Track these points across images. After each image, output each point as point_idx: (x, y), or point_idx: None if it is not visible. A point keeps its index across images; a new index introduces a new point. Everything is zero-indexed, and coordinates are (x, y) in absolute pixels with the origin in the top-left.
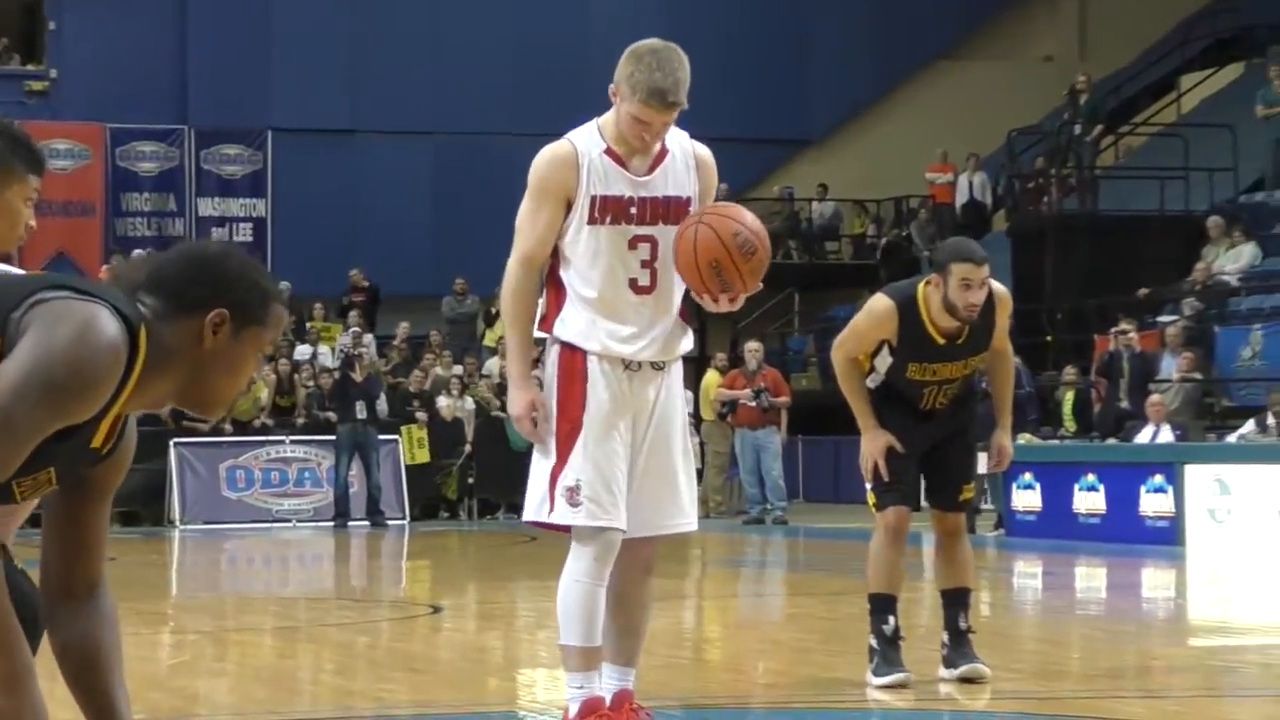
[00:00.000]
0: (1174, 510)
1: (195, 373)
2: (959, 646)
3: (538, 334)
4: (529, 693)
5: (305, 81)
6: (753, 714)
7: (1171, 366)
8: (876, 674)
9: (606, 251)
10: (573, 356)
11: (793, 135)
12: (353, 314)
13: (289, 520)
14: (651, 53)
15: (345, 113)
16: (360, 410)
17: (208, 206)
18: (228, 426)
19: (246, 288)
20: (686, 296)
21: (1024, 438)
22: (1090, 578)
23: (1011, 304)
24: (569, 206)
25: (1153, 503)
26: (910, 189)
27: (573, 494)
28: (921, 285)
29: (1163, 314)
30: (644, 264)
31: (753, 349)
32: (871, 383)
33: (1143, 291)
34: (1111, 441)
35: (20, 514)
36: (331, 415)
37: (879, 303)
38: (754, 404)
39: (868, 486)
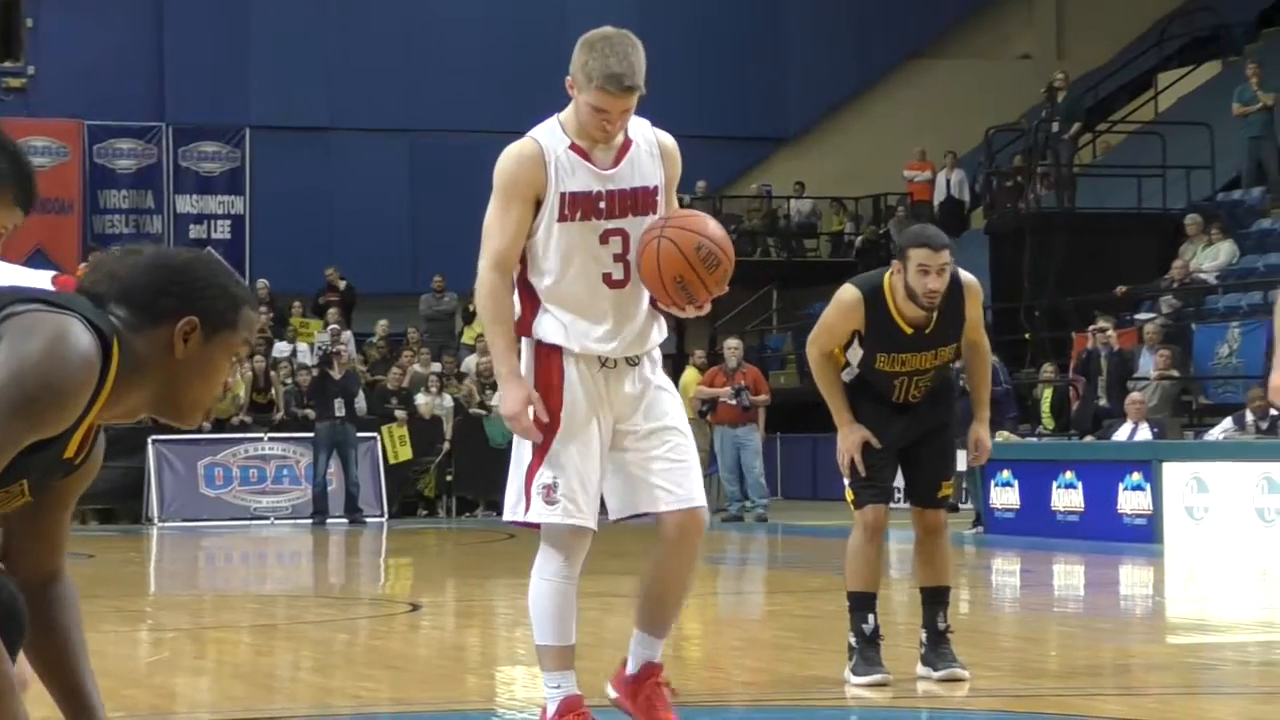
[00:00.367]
0: (1152, 508)
1: (168, 382)
2: (937, 647)
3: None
4: (507, 690)
5: (283, 79)
6: (732, 712)
7: (1150, 364)
8: (855, 673)
9: (579, 248)
10: (549, 356)
11: (770, 132)
12: (332, 311)
13: (267, 518)
14: (604, 39)
15: (323, 110)
16: (339, 408)
17: (186, 204)
18: (206, 424)
19: (215, 294)
20: None
21: (1002, 436)
22: (1068, 575)
23: (982, 294)
24: (538, 206)
25: (1131, 500)
26: (888, 187)
27: (549, 492)
28: (887, 275)
29: (1140, 312)
30: (616, 258)
31: (732, 347)
32: (846, 376)
33: (1120, 289)
34: (1089, 439)
35: None
36: (310, 413)
37: (846, 293)
38: (734, 402)
39: (845, 483)
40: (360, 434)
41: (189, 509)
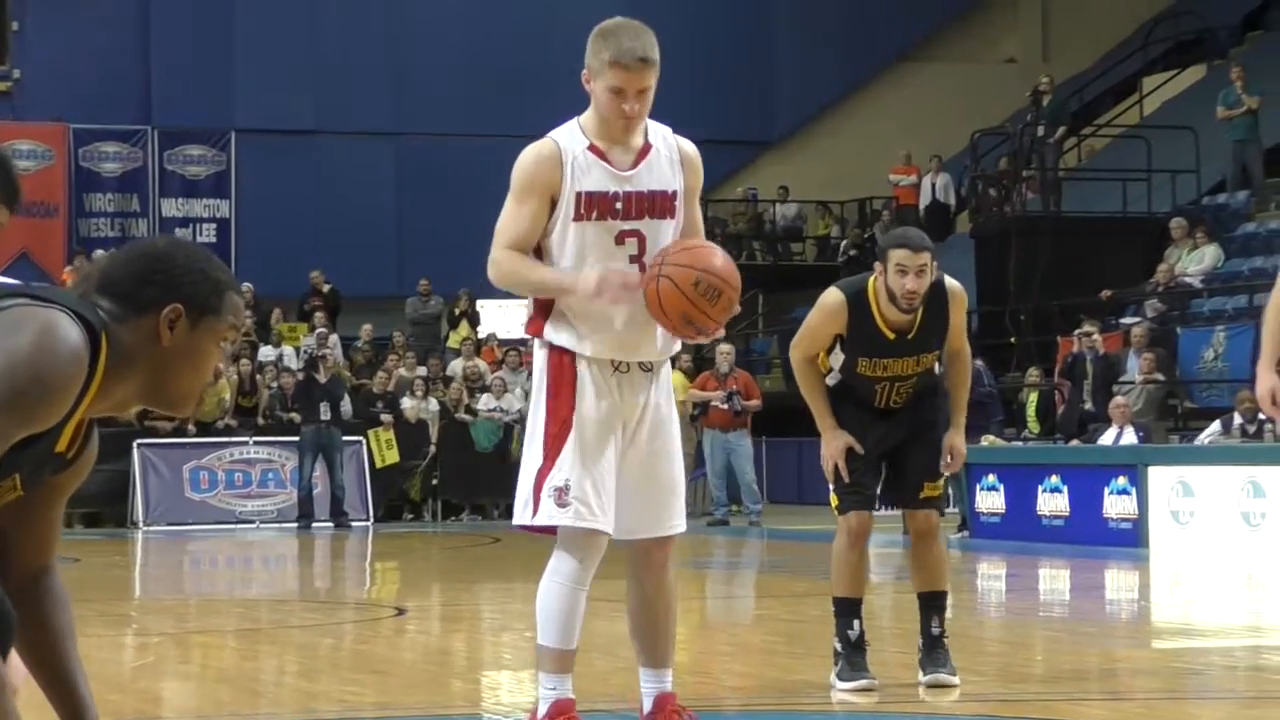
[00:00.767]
0: (1137, 512)
1: (158, 371)
2: (930, 652)
3: (525, 336)
4: (493, 695)
5: (268, 82)
6: (719, 717)
7: (1136, 367)
8: (841, 678)
9: (594, 248)
10: (561, 359)
11: (756, 136)
12: (318, 315)
13: (252, 521)
14: (615, 25)
15: (309, 113)
16: (324, 411)
17: (171, 207)
18: (191, 427)
19: (197, 280)
20: None
21: (988, 440)
22: (1054, 579)
23: (966, 301)
24: (553, 205)
25: (1116, 504)
26: (874, 190)
27: (561, 494)
28: (871, 279)
29: (1126, 316)
30: (632, 259)
31: (724, 352)
32: (830, 381)
33: (1106, 293)
34: (1075, 443)
35: None
36: (295, 416)
37: (829, 297)
38: (726, 406)
39: (829, 488)
40: (346, 438)
41: (174, 513)
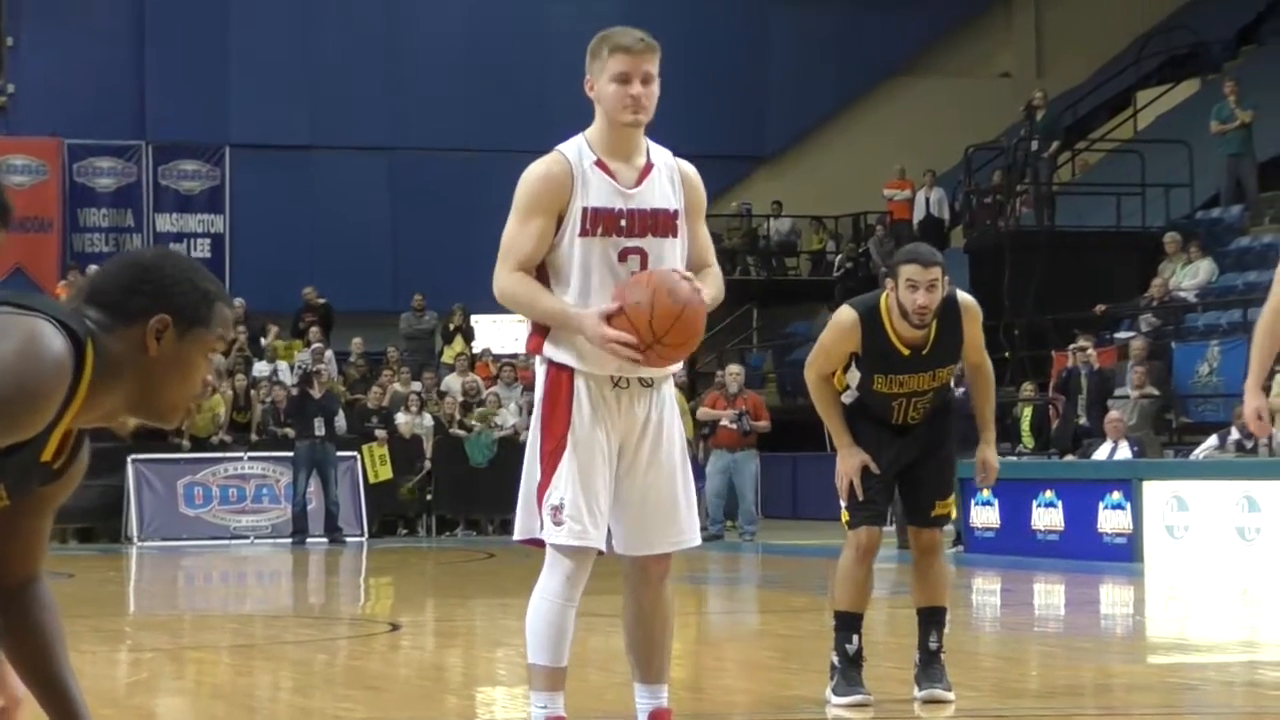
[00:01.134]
0: (1132, 527)
1: (145, 381)
2: (926, 667)
3: (520, 351)
4: (487, 711)
5: (263, 97)
6: None
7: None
8: (836, 693)
9: (598, 264)
10: (559, 375)
11: (750, 151)
12: (314, 330)
13: (247, 537)
14: (610, 29)
15: (303, 128)
16: (318, 427)
17: (165, 222)
18: (185, 443)
19: (185, 291)
20: None
21: None
22: (1048, 595)
23: (981, 315)
24: (559, 221)
25: (1111, 519)
26: (867, 205)
27: (557, 512)
28: (883, 296)
29: (1120, 330)
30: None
31: (734, 372)
32: (847, 399)
33: (1100, 308)
34: (1069, 458)
35: None
36: (289, 431)
37: (842, 314)
38: (734, 426)
39: (841, 504)
40: (340, 453)
41: (168, 528)
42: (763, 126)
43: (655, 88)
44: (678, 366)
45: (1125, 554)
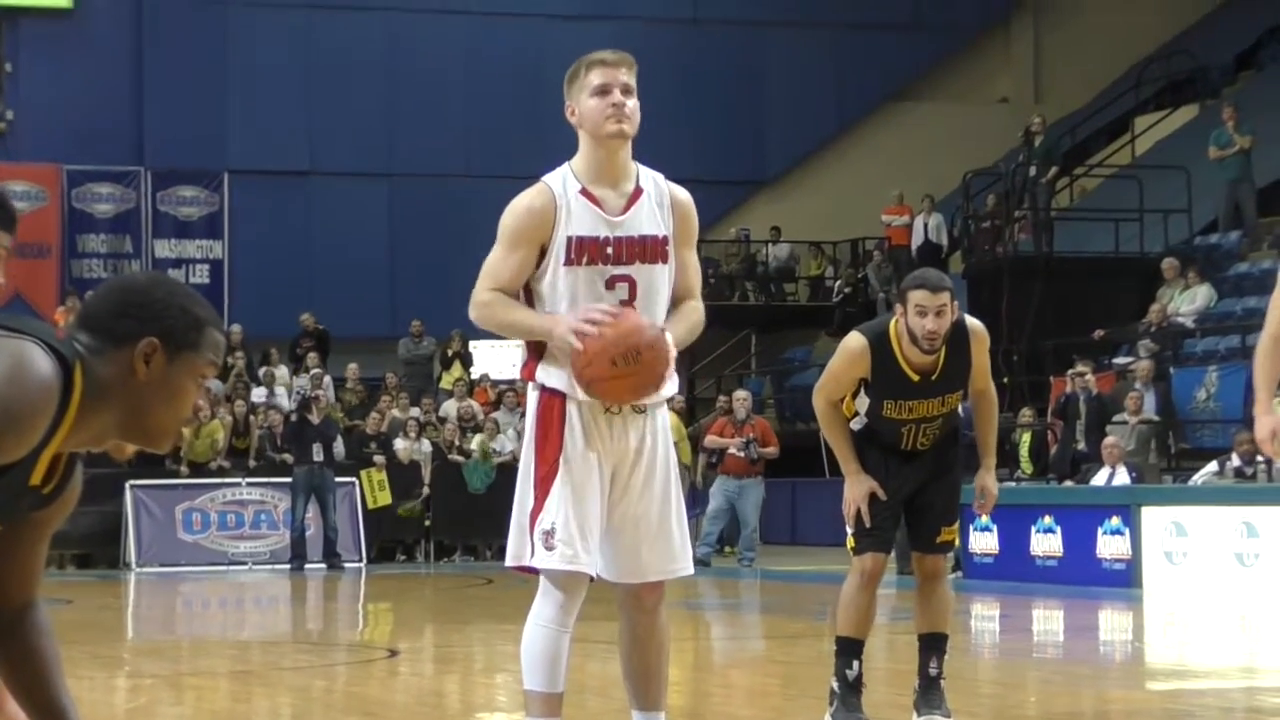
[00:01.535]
0: (1130, 553)
1: (134, 405)
2: (926, 693)
3: (518, 377)
4: None
5: (261, 123)
6: None
7: (1147, 402)
8: (835, 718)
9: (584, 293)
10: (551, 401)
11: (748, 176)
12: (312, 356)
13: (245, 563)
14: (585, 55)
15: (302, 154)
16: (317, 452)
17: (164, 248)
18: (183, 469)
19: (175, 315)
20: None
21: None
22: (1047, 620)
23: (988, 340)
24: (542, 251)
25: (1109, 545)
26: (866, 231)
27: (549, 537)
28: (892, 322)
29: (1119, 355)
30: (623, 304)
31: (741, 398)
32: (855, 425)
33: (1099, 333)
34: (1068, 484)
35: None
36: (287, 457)
37: (851, 341)
38: (742, 454)
39: (848, 530)
40: (338, 479)
41: (166, 554)
42: (761, 152)
43: (635, 102)
44: (672, 391)
45: (1124, 579)
